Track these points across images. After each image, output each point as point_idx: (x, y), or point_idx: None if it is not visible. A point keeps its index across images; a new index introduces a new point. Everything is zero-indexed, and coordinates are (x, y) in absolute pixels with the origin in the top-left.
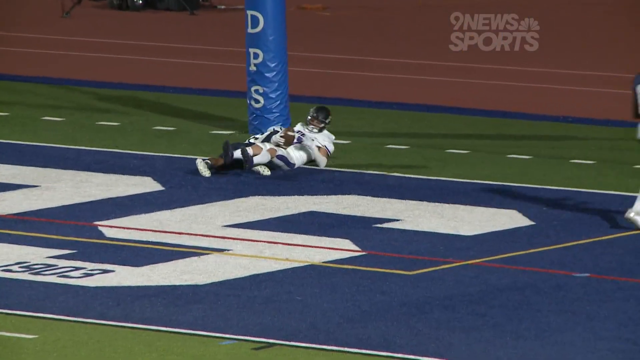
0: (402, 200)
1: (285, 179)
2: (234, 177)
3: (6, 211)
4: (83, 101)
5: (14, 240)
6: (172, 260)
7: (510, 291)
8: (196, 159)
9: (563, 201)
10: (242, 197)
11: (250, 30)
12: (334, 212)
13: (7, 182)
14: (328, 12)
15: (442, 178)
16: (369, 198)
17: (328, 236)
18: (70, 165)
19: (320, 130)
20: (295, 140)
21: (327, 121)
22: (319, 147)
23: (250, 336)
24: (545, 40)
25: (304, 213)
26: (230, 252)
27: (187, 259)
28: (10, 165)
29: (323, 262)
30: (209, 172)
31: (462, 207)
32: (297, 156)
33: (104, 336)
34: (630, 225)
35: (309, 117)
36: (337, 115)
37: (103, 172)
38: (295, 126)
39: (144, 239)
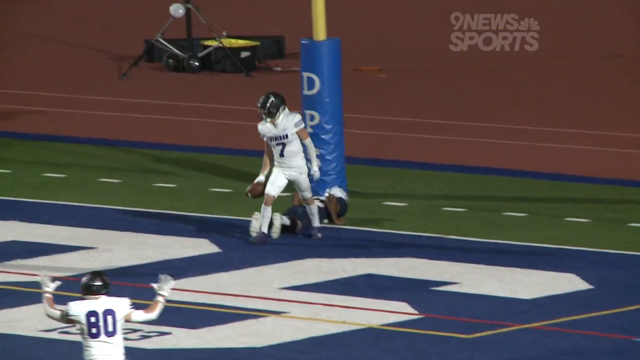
0: (460, 263)
1: (342, 240)
2: (291, 239)
3: (63, 273)
4: (140, 163)
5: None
6: (230, 322)
7: (569, 355)
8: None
9: (622, 265)
10: (299, 259)
11: (306, 92)
12: (392, 274)
13: (64, 244)
14: (384, 74)
15: (500, 241)
16: (426, 261)
17: (385, 299)
18: (127, 227)
19: (273, 115)
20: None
21: (277, 106)
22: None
23: None
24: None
25: (361, 275)
26: (287, 314)
27: (245, 322)
28: (67, 227)
29: (381, 325)
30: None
31: (519, 270)
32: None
33: None
34: None
35: (258, 108)
36: (394, 178)
37: (160, 234)
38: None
39: (201, 301)
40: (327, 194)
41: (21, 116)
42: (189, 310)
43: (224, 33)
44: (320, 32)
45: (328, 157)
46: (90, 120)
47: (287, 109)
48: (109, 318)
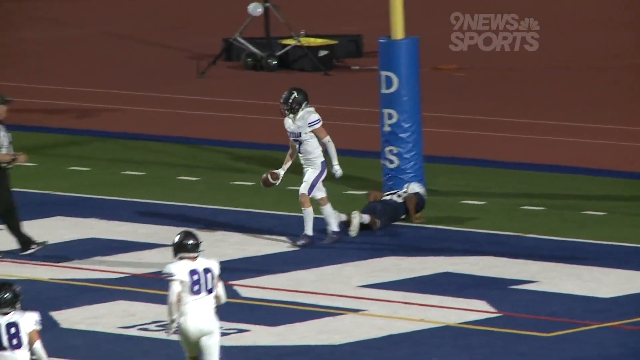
0: (539, 262)
1: (421, 238)
2: (369, 237)
3: (143, 270)
4: (218, 161)
5: (151, 299)
6: (308, 320)
7: None
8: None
9: None
10: (377, 257)
11: (384, 90)
12: (470, 272)
13: (144, 241)
14: (463, 73)
15: (579, 240)
16: (505, 259)
17: (464, 297)
18: (205, 225)
19: (295, 112)
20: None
21: (299, 102)
22: (313, 129)
23: None
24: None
25: (439, 273)
26: (365, 312)
27: (323, 319)
28: (147, 225)
29: (459, 323)
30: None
31: (598, 269)
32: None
33: None
34: None
35: (281, 103)
36: (472, 176)
37: (238, 232)
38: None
39: (280, 299)
40: (405, 190)
41: (101, 114)
42: (268, 308)
43: (302, 32)
44: (398, 30)
45: (406, 156)
46: (169, 118)
47: (309, 107)
48: (209, 276)
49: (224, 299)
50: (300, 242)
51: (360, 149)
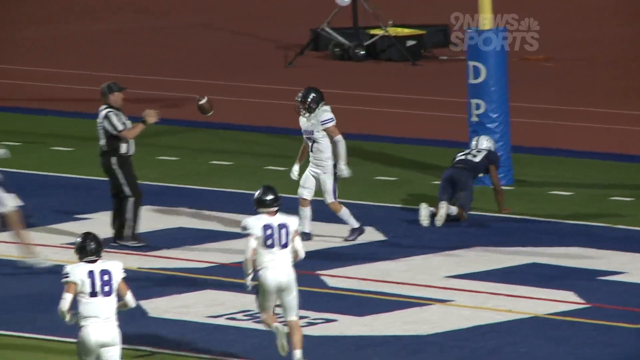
0: (627, 253)
1: (508, 229)
2: (456, 227)
3: (231, 260)
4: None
5: (239, 288)
6: (395, 310)
7: None
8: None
9: None
10: (465, 247)
11: (472, 81)
12: (558, 263)
13: (232, 231)
14: (551, 63)
15: None
16: (593, 250)
17: (551, 288)
18: (294, 214)
19: (312, 111)
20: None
21: (316, 101)
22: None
23: None
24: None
25: (527, 264)
26: (452, 302)
27: (410, 309)
28: (235, 214)
29: (547, 314)
30: (428, 220)
31: None
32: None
33: None
34: None
35: (298, 102)
36: (560, 167)
37: (325, 222)
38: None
39: (367, 289)
40: (475, 142)
41: (190, 104)
42: (355, 298)
43: (390, 22)
44: (486, 21)
45: None
46: (257, 108)
47: (325, 106)
48: (283, 232)
49: (302, 253)
50: (352, 237)
51: (448, 139)
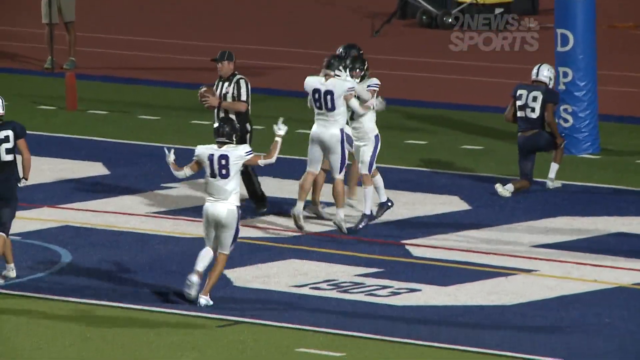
0: None
1: (594, 198)
2: (541, 196)
3: (315, 229)
4: (391, 120)
5: (323, 258)
6: (479, 280)
7: None
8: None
9: None
10: (550, 217)
11: (560, 48)
12: None
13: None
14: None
15: None
16: None
17: (638, 258)
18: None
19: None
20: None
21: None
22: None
23: (557, 358)
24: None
25: (613, 234)
26: (537, 272)
27: (494, 279)
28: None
29: (632, 284)
30: (509, 193)
31: None
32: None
33: (410, 355)
34: None
35: (349, 68)
36: None
37: (410, 191)
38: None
39: (451, 259)
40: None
41: (275, 72)
42: (439, 268)
43: None
44: None
45: (581, 115)
46: None
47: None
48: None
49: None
50: (362, 224)
51: None
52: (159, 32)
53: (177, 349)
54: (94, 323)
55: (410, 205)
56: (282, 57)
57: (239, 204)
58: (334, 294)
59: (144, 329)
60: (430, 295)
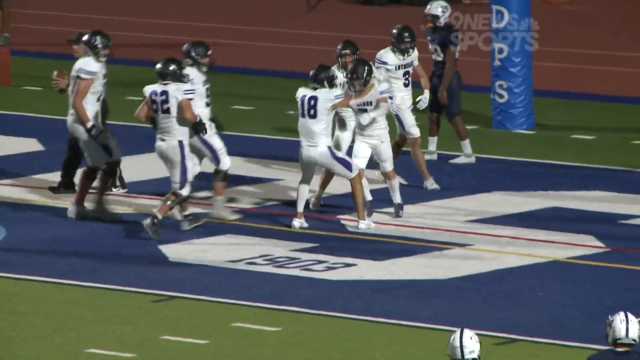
0: None
1: (528, 173)
2: (476, 172)
3: (250, 204)
4: None
5: (258, 233)
6: (415, 254)
7: None
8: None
9: None
10: (485, 192)
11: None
12: (578, 207)
13: (253, 176)
14: (574, 7)
15: None
16: (614, 194)
17: (571, 232)
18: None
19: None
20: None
21: (370, 73)
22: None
23: (491, 331)
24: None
25: (547, 208)
26: (472, 247)
27: (429, 254)
28: (258, 159)
29: (566, 258)
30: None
31: None
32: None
33: (345, 329)
34: None
35: (349, 77)
36: (583, 110)
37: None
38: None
39: (387, 233)
40: None
41: (214, 49)
42: (374, 242)
43: None
44: None
45: (516, 90)
46: (279, 53)
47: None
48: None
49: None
50: (401, 213)
51: (470, 84)
52: (95, 7)
53: (111, 324)
54: (27, 298)
55: (346, 180)
56: (221, 34)
57: (329, 144)
58: (270, 269)
59: (78, 305)
60: (365, 270)
